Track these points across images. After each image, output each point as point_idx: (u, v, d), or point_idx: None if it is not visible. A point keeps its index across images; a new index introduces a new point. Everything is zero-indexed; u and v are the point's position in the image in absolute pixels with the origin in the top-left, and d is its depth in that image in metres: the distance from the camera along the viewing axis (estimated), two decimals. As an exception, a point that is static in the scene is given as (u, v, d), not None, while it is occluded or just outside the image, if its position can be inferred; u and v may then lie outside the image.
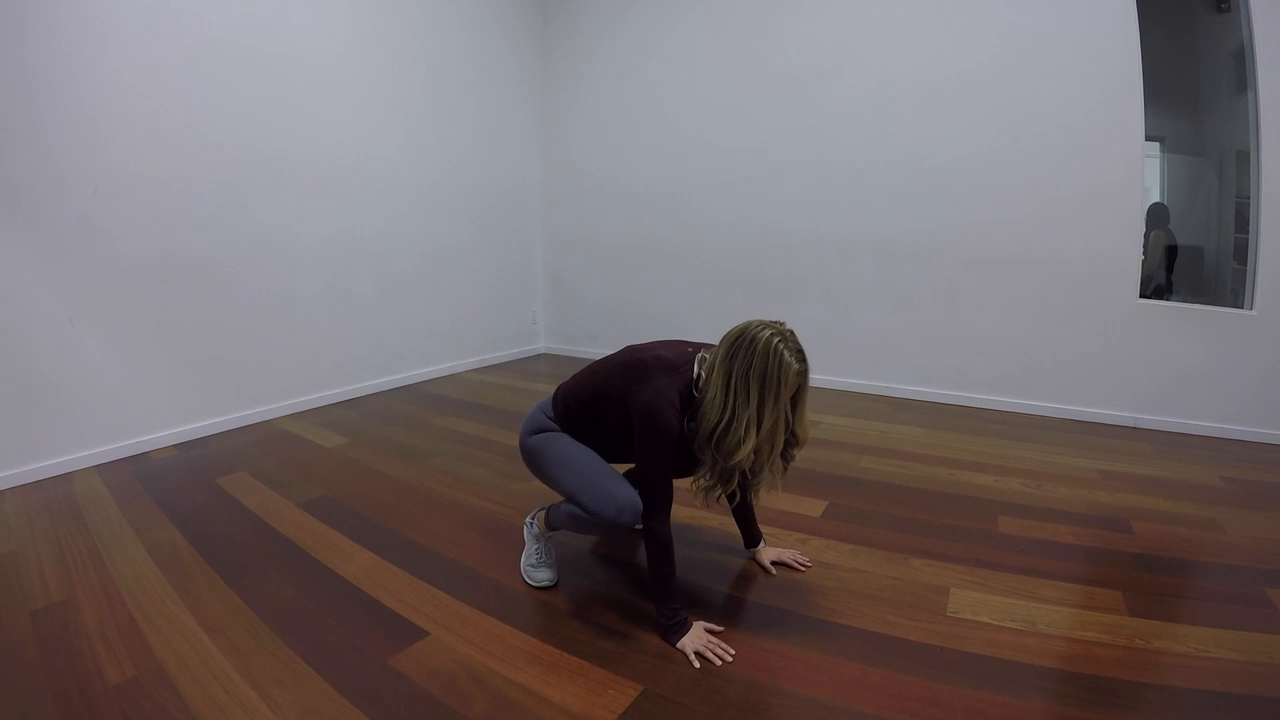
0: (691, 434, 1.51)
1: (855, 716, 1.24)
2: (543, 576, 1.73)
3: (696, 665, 1.39)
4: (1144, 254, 3.05)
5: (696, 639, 1.44)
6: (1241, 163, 2.82)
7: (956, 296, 3.44)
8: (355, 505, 2.24)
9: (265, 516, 2.16)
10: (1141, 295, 3.05)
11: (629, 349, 1.62)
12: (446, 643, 1.50)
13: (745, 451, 1.37)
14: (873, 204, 3.59)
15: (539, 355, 5.01)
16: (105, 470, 2.58)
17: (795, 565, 1.81)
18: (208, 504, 2.26)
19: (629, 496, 1.47)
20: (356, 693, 1.33)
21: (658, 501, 1.46)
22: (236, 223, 3.04)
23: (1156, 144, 2.97)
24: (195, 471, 2.56)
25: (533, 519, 1.79)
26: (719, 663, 1.40)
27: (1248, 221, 2.79)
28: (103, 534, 2.03)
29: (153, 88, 2.69)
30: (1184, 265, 3.13)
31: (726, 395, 1.37)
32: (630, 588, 1.73)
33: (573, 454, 1.60)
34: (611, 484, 1.51)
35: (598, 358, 1.73)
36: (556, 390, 1.72)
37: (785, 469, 1.53)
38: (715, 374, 1.40)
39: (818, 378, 3.85)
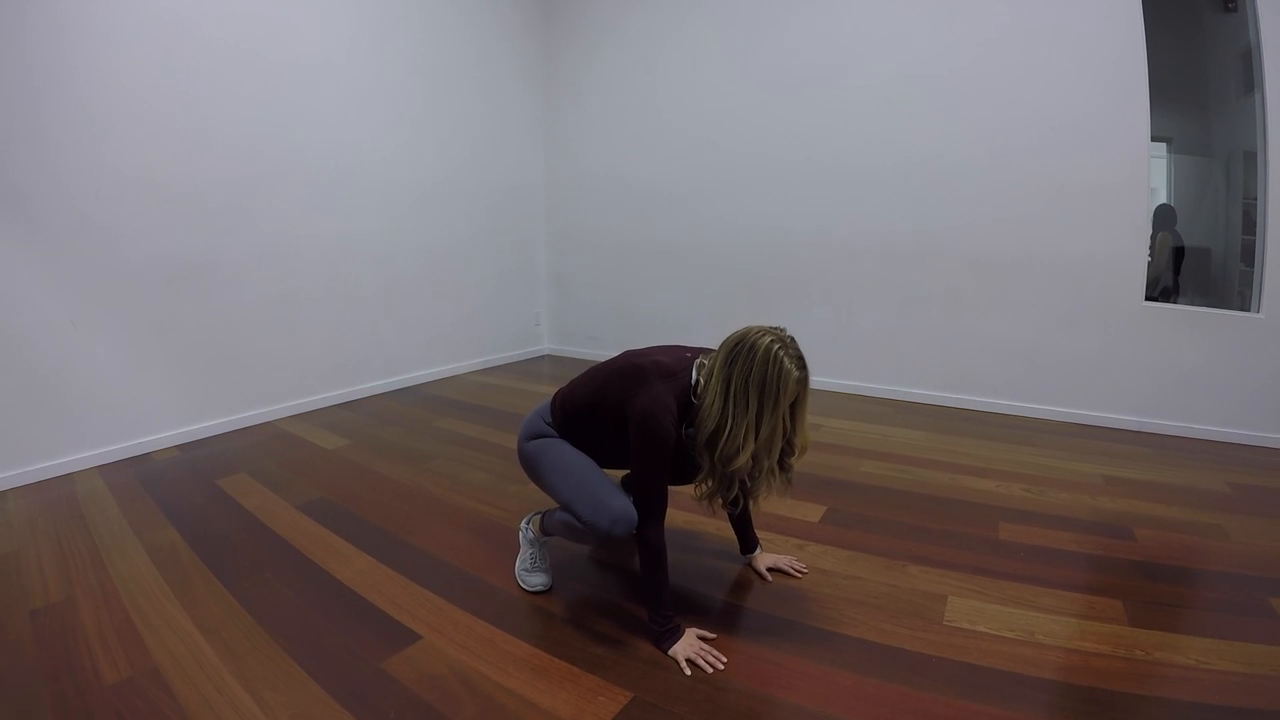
0: (690, 440, 1.50)
1: (847, 727, 1.23)
2: (537, 581, 1.73)
3: (688, 672, 1.38)
4: (1150, 256, 3.02)
5: (688, 646, 1.43)
6: (1249, 164, 2.78)
7: (960, 298, 3.41)
8: (353, 507, 2.25)
9: (264, 518, 2.17)
10: (1148, 297, 3.02)
11: (627, 354, 1.61)
12: (439, 646, 1.50)
13: (744, 459, 1.36)
14: (876, 205, 3.57)
15: (542, 356, 5.01)
16: (107, 471, 2.60)
17: (791, 572, 1.80)
18: (207, 505, 2.27)
19: (624, 508, 1.45)
20: (347, 696, 1.33)
21: (652, 509, 1.45)
22: (238, 225, 3.05)
23: (1163, 144, 2.93)
24: (196, 472, 2.58)
25: (528, 523, 1.78)
26: (710, 670, 1.39)
27: (1255, 223, 2.75)
28: (103, 534, 2.05)
29: (154, 91, 2.71)
30: (1191, 267, 3.09)
31: (725, 402, 1.36)
32: (624, 594, 1.72)
33: (568, 462, 1.59)
34: (607, 494, 1.49)
35: (600, 359, 1.72)
36: (554, 395, 1.71)
37: (788, 479, 1.51)
38: (714, 380, 1.39)
39: (821, 380, 3.88)
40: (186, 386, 2.95)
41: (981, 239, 3.31)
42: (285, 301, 3.29)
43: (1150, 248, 3.03)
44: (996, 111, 3.19)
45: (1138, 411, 3.08)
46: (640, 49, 4.34)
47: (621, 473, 1.93)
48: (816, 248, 3.79)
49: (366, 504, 2.27)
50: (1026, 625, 1.55)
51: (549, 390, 1.73)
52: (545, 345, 5.12)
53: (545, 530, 1.72)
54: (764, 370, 1.33)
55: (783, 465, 1.49)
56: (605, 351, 4.48)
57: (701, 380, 1.45)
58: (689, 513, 2.14)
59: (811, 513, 2.19)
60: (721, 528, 2.02)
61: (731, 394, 1.35)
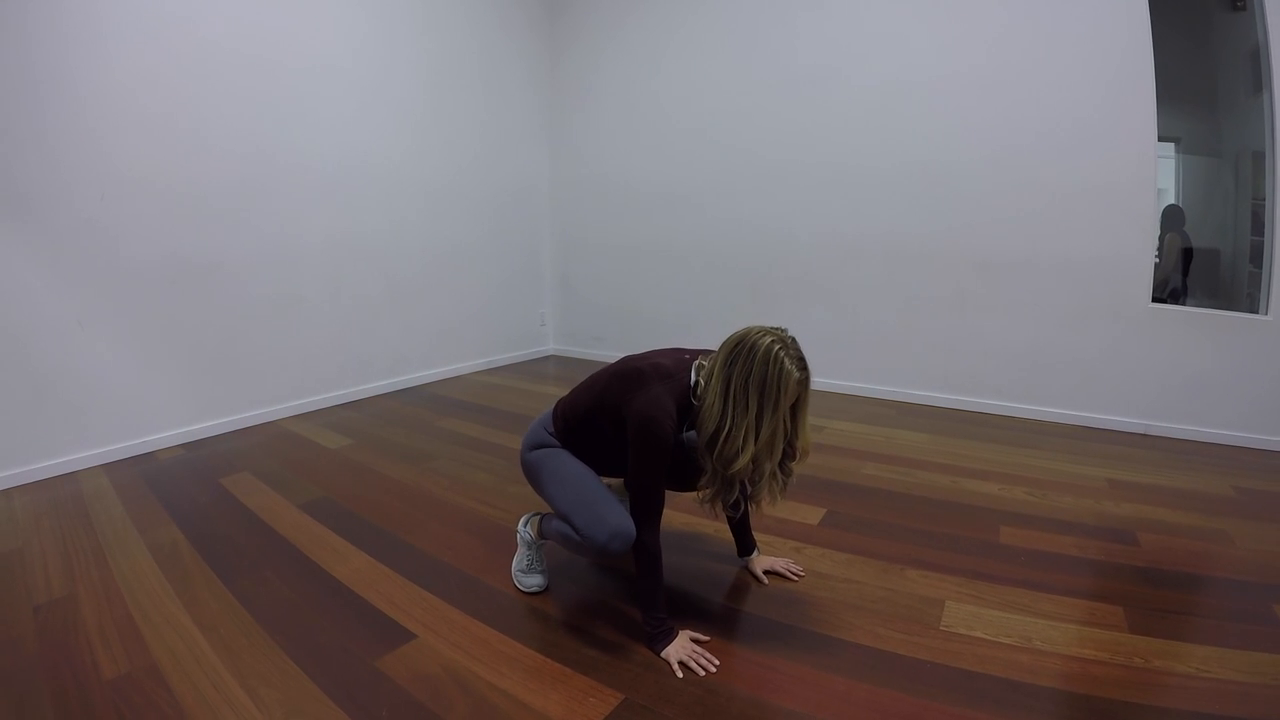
0: (690, 444, 1.50)
1: (838, 732, 1.23)
2: (532, 582, 1.73)
3: (679, 675, 1.38)
4: (1159, 257, 2.99)
5: (681, 648, 1.43)
6: (1258, 164, 2.74)
7: (965, 299, 3.39)
8: (354, 507, 2.26)
9: (265, 517, 2.18)
10: (1156, 299, 2.98)
11: (626, 359, 1.60)
12: (433, 646, 1.50)
13: (744, 460, 1.35)
14: (880, 206, 3.56)
15: (547, 357, 5.02)
16: (111, 469, 2.62)
17: (788, 575, 1.79)
18: (210, 504, 2.29)
19: (621, 524, 1.42)
20: (341, 694, 1.34)
21: (649, 511, 1.45)
22: (242, 226, 3.08)
23: (1171, 145, 2.90)
24: (199, 471, 2.60)
25: (526, 523, 1.77)
26: (702, 673, 1.39)
27: (1264, 224, 2.71)
28: (106, 532, 2.07)
29: (158, 93, 2.74)
30: (1200, 268, 3.05)
31: (725, 403, 1.35)
32: (620, 596, 1.72)
33: (569, 473, 1.58)
34: (606, 509, 1.46)
35: (605, 359, 1.71)
36: (556, 405, 1.70)
37: (786, 482, 1.49)
38: (714, 380, 1.38)
39: (825, 382, 3.87)
40: (191, 386, 2.97)
41: (987, 239, 3.28)
42: (289, 302, 3.32)
43: (1158, 249, 3.00)
44: (1002, 111, 3.16)
45: (1143, 414, 3.05)
46: (645, 49, 4.34)
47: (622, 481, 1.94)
48: (821, 249, 3.78)
49: (367, 504, 2.28)
50: (1024, 631, 1.54)
51: (553, 390, 1.73)
52: (550, 345, 5.13)
53: (543, 534, 1.71)
54: (764, 371, 1.32)
55: (784, 469, 1.47)
56: (610, 352, 4.49)
57: (701, 381, 1.44)
58: (687, 514, 2.13)
59: (811, 515, 2.19)
60: (719, 529, 2.01)
61: (731, 394, 1.34)
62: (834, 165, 3.67)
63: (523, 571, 1.75)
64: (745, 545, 1.82)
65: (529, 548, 1.75)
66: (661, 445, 1.41)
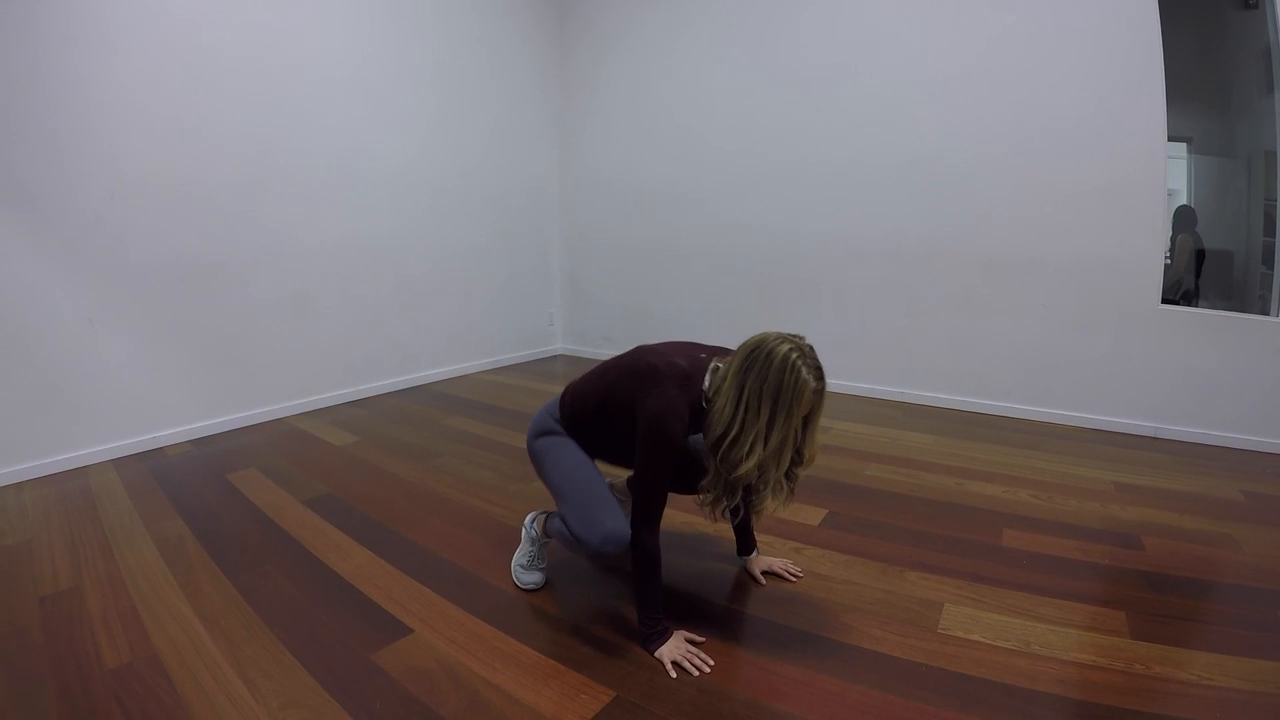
0: (695, 447, 1.50)
1: (829, 733, 1.22)
2: (531, 579, 1.74)
3: (673, 675, 1.38)
4: (1170, 258, 2.95)
5: (675, 648, 1.43)
6: (1270, 164, 2.70)
7: (972, 300, 3.36)
8: (357, 504, 2.28)
9: (270, 513, 2.21)
10: (1169, 300, 2.94)
11: (639, 350, 1.57)
12: (429, 640, 1.52)
13: (749, 466, 1.33)
14: (887, 206, 3.54)
15: (555, 356, 5.04)
16: (120, 465, 2.66)
17: (786, 575, 1.78)
18: (216, 499, 2.32)
19: (616, 528, 1.43)
20: (336, 686, 1.35)
21: (650, 511, 1.44)
22: (251, 226, 3.11)
23: (1183, 145, 2.86)
24: (207, 467, 2.64)
25: (533, 520, 1.77)
26: (696, 673, 1.38)
27: (1276, 225, 2.67)
28: (113, 526, 2.10)
29: (167, 95, 2.77)
30: (1213, 270, 3.00)
31: (737, 408, 1.33)
32: (617, 595, 1.72)
33: (570, 468, 1.58)
34: (602, 511, 1.46)
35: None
36: (564, 391, 1.70)
37: (792, 489, 1.47)
38: (728, 384, 1.35)
39: (832, 383, 3.76)
40: (200, 383, 3.01)
41: (994, 239, 3.26)
42: (297, 301, 3.35)
43: (1170, 250, 2.96)
44: (1009, 111, 3.13)
45: (1152, 417, 3.01)
46: (654, 50, 4.35)
47: (623, 473, 1.94)
48: (828, 249, 3.77)
49: (371, 500, 2.30)
50: (1023, 635, 1.52)
51: (560, 389, 1.73)
52: (559, 345, 5.14)
53: (547, 532, 1.71)
54: (780, 379, 1.29)
55: (790, 475, 1.45)
56: (618, 352, 4.49)
57: (714, 385, 1.42)
58: (687, 513, 2.13)
59: (812, 516, 2.18)
60: (719, 529, 2.02)
61: (745, 400, 1.32)
62: (841, 165, 3.66)
63: (522, 568, 1.76)
64: (745, 545, 1.81)
65: (533, 544, 1.76)
66: (671, 446, 1.40)
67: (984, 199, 3.26)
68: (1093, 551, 1.93)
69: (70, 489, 2.42)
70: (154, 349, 2.84)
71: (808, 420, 1.38)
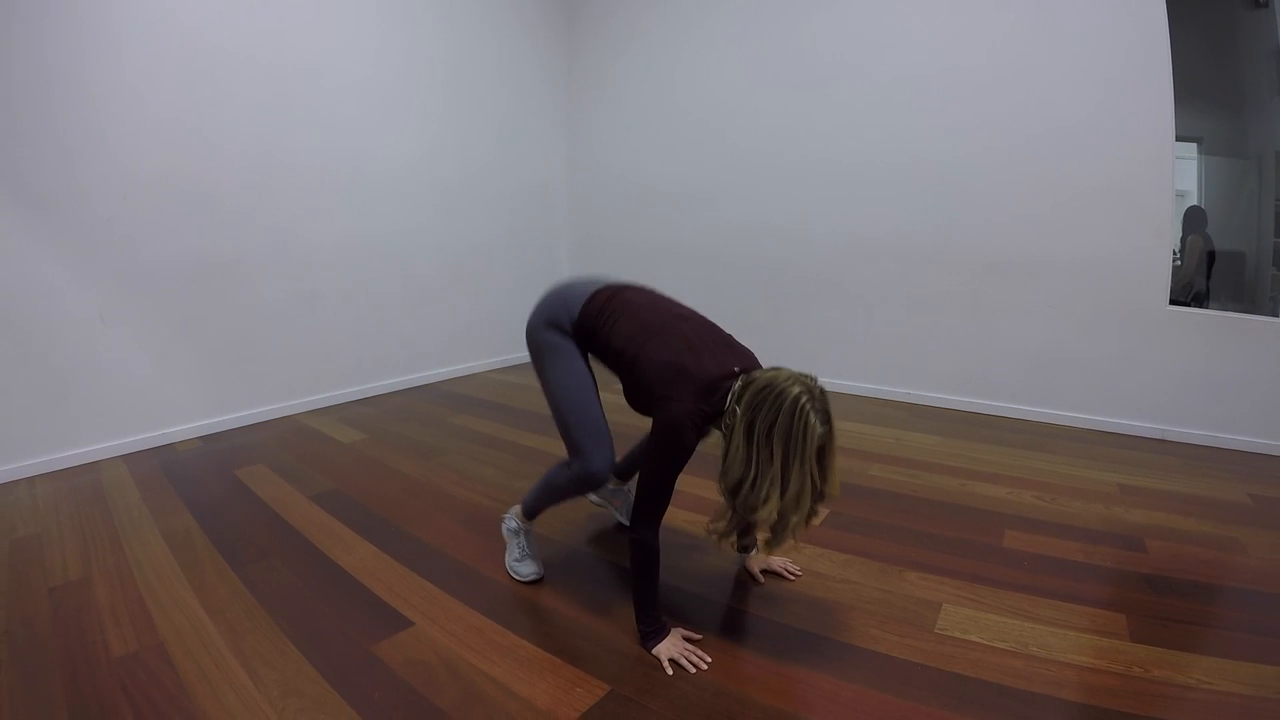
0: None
1: (821, 730, 1.23)
2: (528, 571, 1.77)
3: (669, 671, 1.39)
4: (1180, 259, 2.92)
5: (672, 646, 1.44)
6: (1280, 165, 2.67)
7: (979, 300, 3.34)
8: (363, 499, 2.31)
9: (277, 507, 2.24)
10: (1180, 302, 2.91)
11: (675, 332, 1.50)
12: (429, 633, 1.54)
13: (768, 511, 1.30)
14: (894, 205, 3.52)
15: (563, 356, 5.04)
16: (131, 460, 2.70)
17: (785, 574, 1.79)
18: (224, 494, 2.36)
19: (598, 465, 1.56)
20: (337, 676, 1.38)
21: (653, 509, 1.44)
22: (260, 226, 3.15)
23: (1193, 145, 2.82)
24: (216, 463, 2.67)
25: (510, 516, 1.83)
26: (692, 670, 1.39)
27: (1286, 227, 2.64)
28: (123, 519, 2.14)
29: (176, 98, 2.81)
30: (1224, 271, 2.96)
31: (749, 450, 1.31)
32: (616, 591, 1.73)
33: (573, 387, 1.60)
34: (592, 442, 1.57)
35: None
36: (593, 295, 1.61)
37: (808, 522, 1.39)
38: (739, 421, 1.33)
39: (839, 383, 3.86)
40: (210, 380, 3.05)
41: (1001, 239, 3.24)
42: (307, 300, 3.39)
43: (1180, 251, 2.93)
44: (1016, 110, 3.11)
45: (1160, 419, 2.98)
46: (662, 49, 4.36)
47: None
48: (835, 249, 3.76)
49: (376, 496, 2.33)
50: (1021, 636, 1.52)
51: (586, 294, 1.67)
52: (567, 344, 5.15)
53: (527, 513, 1.78)
54: (789, 423, 1.27)
55: (812, 510, 1.38)
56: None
57: (728, 409, 1.38)
58: (687, 510, 2.14)
59: (813, 516, 2.18)
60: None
61: (755, 442, 1.30)
62: (848, 165, 3.65)
63: (517, 561, 1.79)
64: (745, 543, 1.81)
65: (517, 536, 1.80)
66: (683, 454, 1.40)
67: (990, 199, 3.25)
68: (1095, 553, 1.92)
69: (81, 483, 2.46)
70: (165, 347, 2.88)
71: (821, 458, 1.32)
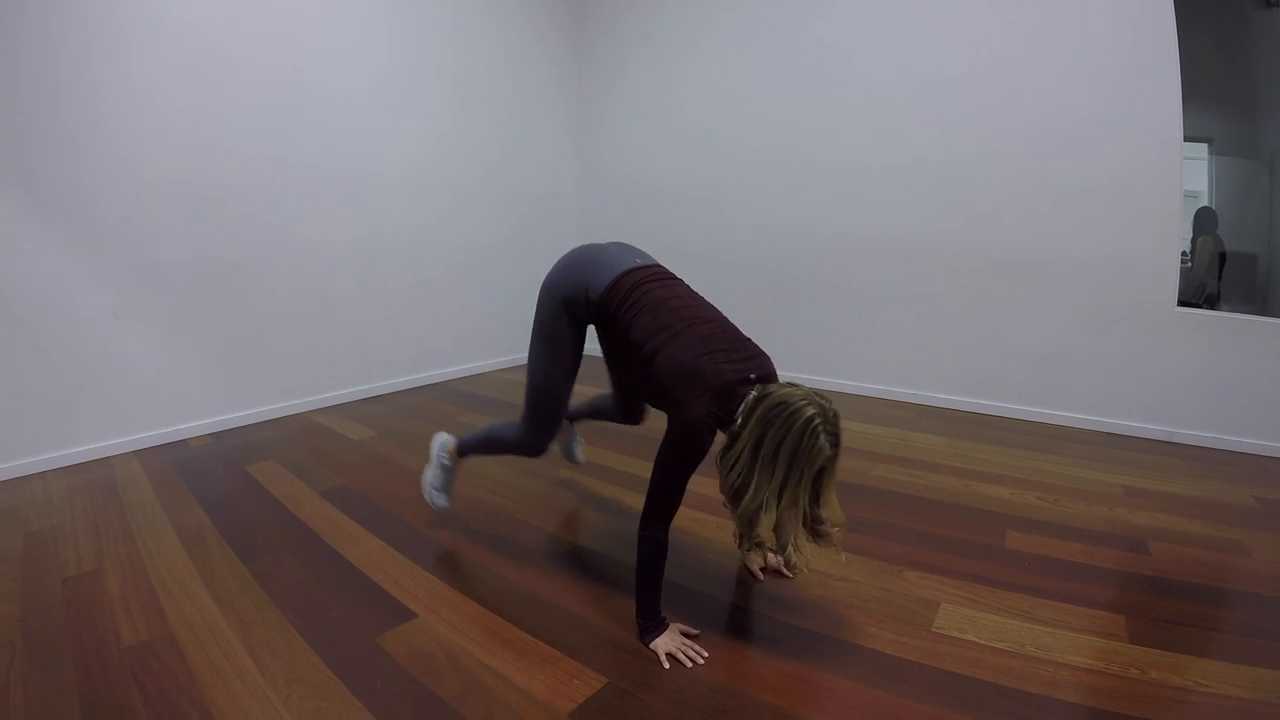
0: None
1: (813, 726, 1.24)
2: (441, 501, 2.08)
3: (666, 666, 1.41)
4: (1190, 260, 2.90)
5: (670, 640, 1.46)
6: (1292, 166, 2.64)
7: (985, 301, 3.33)
8: (371, 495, 2.34)
9: (287, 503, 2.28)
10: (1190, 303, 2.89)
11: (695, 334, 1.50)
12: (432, 625, 1.57)
13: (765, 524, 1.33)
14: (901, 205, 3.52)
15: (572, 355, 5.07)
16: (144, 456, 2.75)
17: (784, 571, 1.80)
18: (236, 489, 2.40)
19: (536, 445, 1.79)
20: (341, 665, 1.41)
21: (664, 508, 1.45)
22: (274, 227, 3.20)
23: (1204, 145, 2.80)
24: (227, 459, 2.72)
25: (442, 446, 2.05)
26: (689, 664, 1.41)
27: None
28: (135, 513, 2.19)
29: (193, 104, 2.87)
30: (1236, 273, 2.94)
31: (753, 461, 1.33)
32: (618, 586, 1.75)
33: (554, 373, 1.72)
34: (540, 424, 1.77)
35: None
36: (621, 277, 1.60)
37: (816, 537, 1.42)
38: (748, 432, 1.35)
39: (843, 383, 3.87)
40: (222, 378, 3.11)
41: (1007, 240, 3.23)
42: (318, 300, 3.44)
43: (1190, 252, 2.91)
44: (1023, 110, 3.10)
45: (1168, 421, 2.96)
46: (670, 52, 4.37)
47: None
48: (842, 249, 3.76)
49: (385, 492, 2.36)
50: (1019, 636, 1.52)
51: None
52: (577, 344, 5.18)
53: (461, 451, 2.00)
54: (799, 443, 1.29)
55: (818, 533, 1.42)
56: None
57: (740, 419, 1.39)
58: (690, 507, 2.15)
59: (815, 515, 2.18)
60: (721, 524, 2.04)
61: (761, 456, 1.32)
62: (854, 165, 3.65)
63: (436, 490, 2.07)
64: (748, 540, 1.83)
65: (444, 470, 2.06)
66: (698, 457, 1.42)
67: (997, 199, 3.24)
68: (1097, 555, 1.92)
69: (95, 478, 2.51)
70: (178, 344, 2.93)
71: (820, 479, 1.35)
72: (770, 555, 1.83)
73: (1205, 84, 2.71)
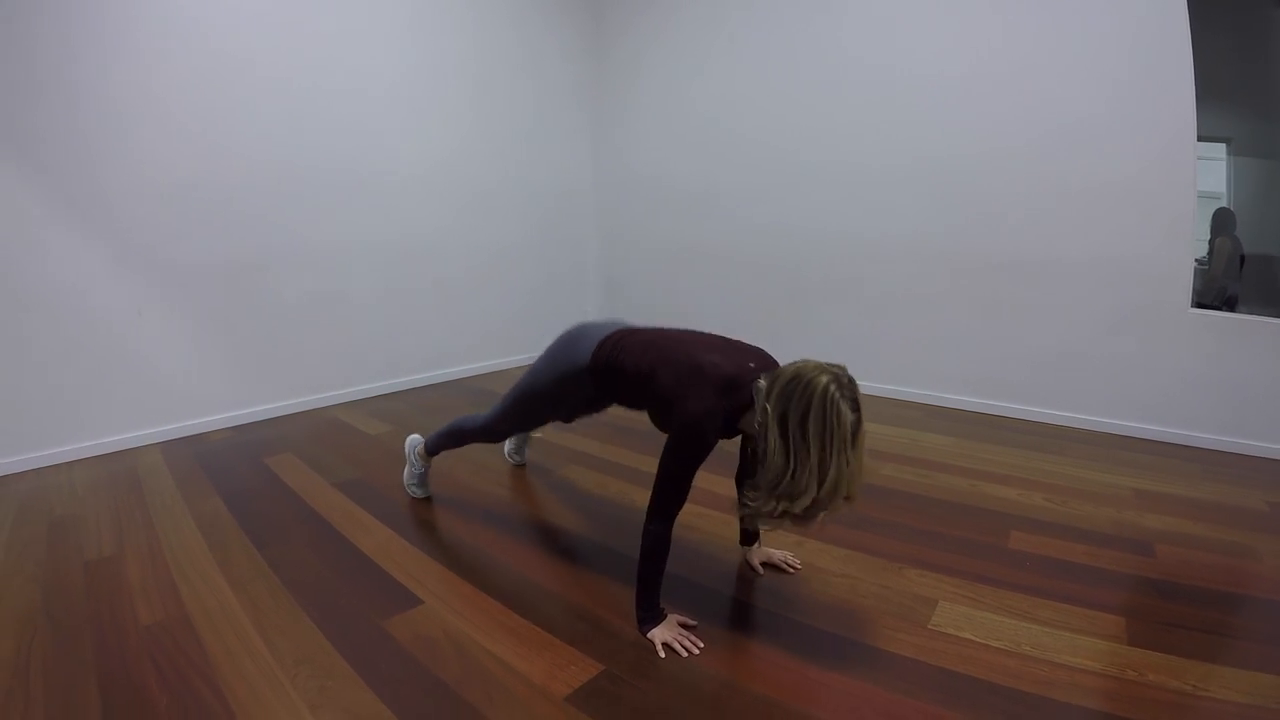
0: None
1: (802, 718, 1.26)
2: (422, 492, 2.29)
3: (662, 655, 1.43)
4: (1208, 261, 2.85)
5: (667, 630, 1.48)
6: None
7: (997, 300, 3.31)
8: (384, 488, 2.39)
9: (302, 494, 2.34)
10: (1208, 305, 2.85)
11: (685, 344, 1.58)
12: (437, 612, 1.61)
13: (804, 502, 1.30)
14: (912, 206, 3.50)
15: (586, 354, 5.11)
16: (166, 448, 2.84)
17: (784, 567, 1.82)
18: (253, 481, 2.47)
19: (492, 439, 2.12)
20: (348, 647, 1.46)
21: (669, 504, 1.47)
22: (296, 228, 3.29)
23: (1222, 145, 2.76)
24: (247, 452, 2.79)
25: (413, 447, 2.29)
26: (685, 654, 1.43)
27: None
28: (156, 502, 2.27)
29: (211, 110, 2.96)
30: (1255, 275, 2.88)
31: (785, 443, 1.30)
32: (620, 577, 1.78)
33: (535, 404, 1.91)
34: (506, 426, 2.03)
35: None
36: (608, 338, 1.70)
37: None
38: (769, 417, 1.32)
39: (859, 384, 3.79)
40: (243, 374, 3.19)
41: (1018, 240, 3.20)
42: (339, 298, 3.52)
43: (1208, 253, 2.87)
44: (1036, 109, 3.07)
45: (1181, 424, 2.91)
46: (687, 54, 4.39)
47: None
48: (854, 249, 3.75)
49: (397, 485, 2.40)
50: (1015, 635, 1.52)
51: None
52: (592, 342, 5.22)
53: (429, 450, 2.22)
54: (822, 412, 1.26)
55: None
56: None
57: (758, 407, 1.38)
58: (693, 503, 2.16)
59: (819, 513, 2.19)
60: (724, 519, 2.06)
61: (790, 435, 1.29)
62: (866, 166, 3.64)
63: (415, 485, 2.30)
64: (748, 535, 1.85)
65: (417, 466, 2.27)
66: (703, 450, 1.44)
67: (1008, 199, 3.21)
68: (1101, 556, 1.90)
69: (118, 468, 2.60)
70: (200, 341, 3.03)
71: (855, 444, 1.32)
72: (774, 552, 1.85)
73: (1222, 83, 2.67)
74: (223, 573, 1.79)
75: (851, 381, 1.32)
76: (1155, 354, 2.93)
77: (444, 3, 3.85)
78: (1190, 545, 1.98)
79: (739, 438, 1.64)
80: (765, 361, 1.56)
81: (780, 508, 1.33)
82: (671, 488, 1.47)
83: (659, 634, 1.48)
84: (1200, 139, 2.68)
